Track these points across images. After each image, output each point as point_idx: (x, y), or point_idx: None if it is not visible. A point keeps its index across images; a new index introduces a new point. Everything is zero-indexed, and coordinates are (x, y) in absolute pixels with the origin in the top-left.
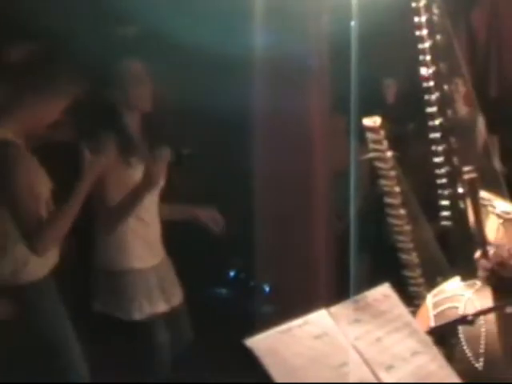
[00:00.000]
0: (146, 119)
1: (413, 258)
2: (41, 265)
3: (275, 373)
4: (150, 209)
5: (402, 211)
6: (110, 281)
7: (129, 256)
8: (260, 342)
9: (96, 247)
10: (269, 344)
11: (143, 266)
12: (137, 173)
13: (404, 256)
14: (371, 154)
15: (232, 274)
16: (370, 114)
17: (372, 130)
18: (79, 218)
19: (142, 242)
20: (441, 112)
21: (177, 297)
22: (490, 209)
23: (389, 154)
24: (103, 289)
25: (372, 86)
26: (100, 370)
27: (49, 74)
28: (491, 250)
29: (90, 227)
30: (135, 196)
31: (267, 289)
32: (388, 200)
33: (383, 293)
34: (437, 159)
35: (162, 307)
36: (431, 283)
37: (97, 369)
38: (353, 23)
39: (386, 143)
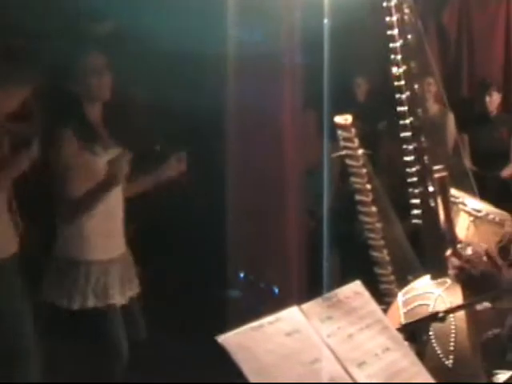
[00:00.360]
0: (109, 110)
1: (384, 255)
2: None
3: (247, 369)
4: (112, 201)
5: (373, 209)
6: (65, 270)
7: (87, 247)
8: (232, 339)
9: (56, 236)
10: (240, 341)
11: (101, 258)
12: (102, 160)
13: (375, 253)
14: (342, 152)
15: (241, 275)
16: (341, 111)
17: (343, 127)
18: (41, 206)
19: (103, 234)
20: (411, 111)
21: (133, 292)
22: (460, 207)
23: (360, 151)
24: (59, 278)
25: (344, 84)
26: (53, 364)
27: (6, 65)
28: (466, 249)
29: (53, 215)
30: (97, 192)
31: (276, 290)
32: (359, 197)
33: (355, 290)
34: (407, 158)
35: (117, 300)
36: (402, 281)
37: (49, 363)
38: (325, 21)
39: (357, 141)
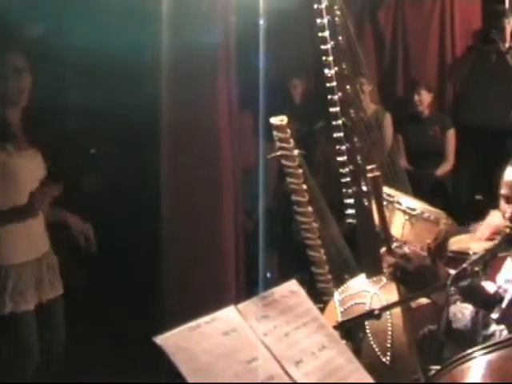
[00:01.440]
0: (29, 112)
1: (320, 254)
2: None
3: (185, 369)
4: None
5: (310, 209)
6: None
7: (5, 251)
8: (169, 339)
9: None
10: (178, 341)
11: (19, 261)
12: (17, 161)
13: (312, 253)
14: (278, 152)
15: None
16: (278, 113)
17: (279, 128)
18: None
19: (22, 238)
20: (343, 112)
21: (54, 294)
22: (396, 206)
23: (295, 152)
24: None
25: (280, 85)
26: None
27: None
28: (402, 247)
29: None
30: (12, 216)
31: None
32: (295, 198)
33: (291, 289)
34: (340, 158)
35: (32, 303)
36: (339, 280)
37: None
38: (261, 22)
39: (292, 142)
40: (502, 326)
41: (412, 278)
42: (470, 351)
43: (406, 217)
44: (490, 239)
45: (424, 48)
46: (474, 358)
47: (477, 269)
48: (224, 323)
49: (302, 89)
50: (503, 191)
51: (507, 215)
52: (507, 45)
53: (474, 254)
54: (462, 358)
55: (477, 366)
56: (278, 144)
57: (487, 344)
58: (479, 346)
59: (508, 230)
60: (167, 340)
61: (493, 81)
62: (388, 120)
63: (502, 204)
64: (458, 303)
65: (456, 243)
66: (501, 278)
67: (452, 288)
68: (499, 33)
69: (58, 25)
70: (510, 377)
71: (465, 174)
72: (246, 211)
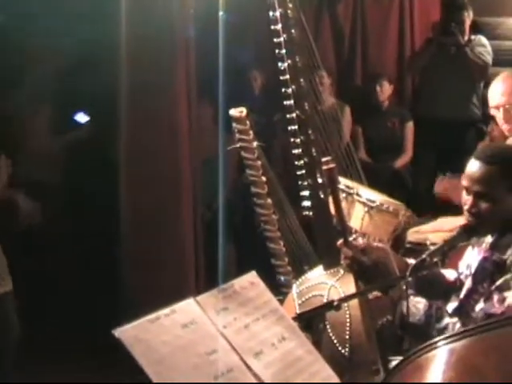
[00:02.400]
0: None
1: (280, 246)
2: None
3: (144, 361)
4: None
5: (269, 200)
6: None
7: None
8: (128, 332)
9: None
10: (137, 333)
11: None
12: None
13: (271, 245)
14: (238, 144)
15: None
16: (238, 104)
17: (238, 120)
18: None
19: None
20: (298, 105)
21: (3, 289)
22: (355, 197)
23: (255, 144)
24: None
25: (239, 77)
26: None
27: None
28: (359, 239)
29: None
30: None
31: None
32: (254, 189)
33: (250, 280)
34: (295, 151)
35: None
36: (299, 271)
37: None
38: (221, 14)
39: (252, 133)
40: (455, 319)
41: (368, 270)
42: (434, 340)
43: (365, 208)
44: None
45: (383, 40)
46: (438, 347)
47: (435, 260)
48: (183, 315)
49: (262, 81)
50: (464, 183)
51: (466, 207)
52: (466, 37)
53: (433, 244)
54: (426, 348)
55: (441, 355)
56: (237, 136)
57: (451, 333)
58: (443, 336)
59: (469, 220)
60: (126, 332)
61: (452, 73)
62: (347, 113)
63: (463, 195)
64: (412, 297)
65: (414, 234)
66: (463, 264)
67: (410, 279)
68: (458, 26)
69: (13, 14)
70: (474, 366)
71: (424, 165)
72: (205, 203)
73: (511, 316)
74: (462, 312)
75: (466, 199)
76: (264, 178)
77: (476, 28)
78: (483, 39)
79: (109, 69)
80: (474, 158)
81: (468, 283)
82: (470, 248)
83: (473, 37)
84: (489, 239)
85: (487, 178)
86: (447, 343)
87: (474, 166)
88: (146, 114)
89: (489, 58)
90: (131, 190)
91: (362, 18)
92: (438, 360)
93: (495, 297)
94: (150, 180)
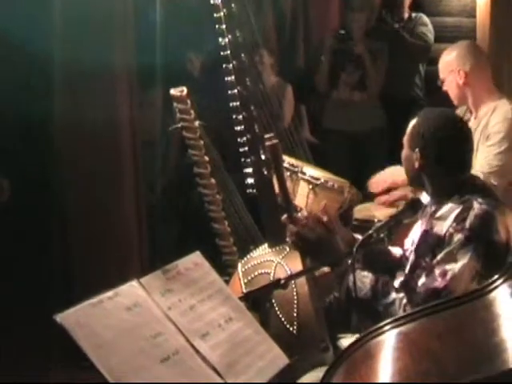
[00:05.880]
0: None
1: (225, 226)
2: None
3: (86, 346)
4: None
5: (212, 180)
6: None
7: None
8: (70, 316)
9: None
10: (79, 318)
11: None
12: None
13: (216, 225)
14: (179, 124)
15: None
16: (176, 85)
17: (179, 99)
18: None
19: None
20: (239, 81)
21: None
22: (299, 175)
23: (196, 123)
24: None
25: (178, 58)
26: None
27: None
28: (304, 215)
29: None
30: None
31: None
32: (197, 170)
33: (194, 261)
34: (238, 127)
35: None
36: (244, 251)
37: None
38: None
39: (193, 113)
40: (402, 294)
41: (314, 246)
42: (384, 323)
43: (309, 186)
44: (392, 205)
45: (325, 19)
46: (389, 330)
47: (382, 235)
48: (127, 298)
49: (201, 61)
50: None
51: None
52: (406, 15)
53: (379, 221)
54: (376, 331)
55: (393, 339)
56: (178, 115)
57: (402, 315)
58: (393, 318)
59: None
60: (68, 317)
61: (393, 55)
62: (289, 92)
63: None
64: (358, 271)
65: (361, 211)
66: (408, 241)
67: (355, 257)
68: (391, 12)
69: None
70: (430, 350)
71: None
72: (148, 185)
73: (463, 295)
74: (408, 287)
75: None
76: (207, 158)
77: (418, 5)
78: (424, 18)
79: (42, 54)
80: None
81: (411, 258)
82: (415, 225)
83: (414, 15)
84: (430, 210)
85: (410, 132)
86: (398, 325)
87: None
88: (86, 98)
89: (430, 37)
90: (71, 175)
91: None
92: (391, 345)
93: (436, 271)
94: (90, 164)
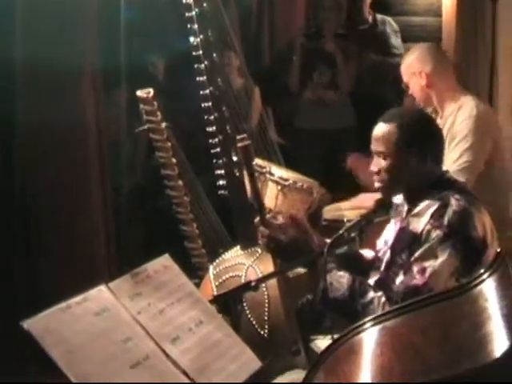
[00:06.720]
0: None
1: (193, 229)
2: None
3: (55, 353)
4: None
5: (180, 182)
6: None
7: None
8: (38, 323)
9: None
10: (47, 324)
11: None
12: None
13: (184, 227)
14: (146, 126)
15: None
16: (143, 87)
17: (146, 101)
18: None
19: None
20: (211, 80)
21: None
22: (268, 176)
23: (163, 125)
24: None
25: (143, 60)
26: None
27: None
28: (276, 217)
29: None
30: None
31: None
32: (165, 172)
33: (163, 264)
34: (209, 128)
35: None
36: (214, 254)
37: None
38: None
39: (160, 114)
40: (380, 293)
41: (286, 249)
42: (367, 319)
43: (278, 187)
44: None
45: (290, 19)
46: (371, 326)
47: (353, 235)
48: (95, 303)
49: (166, 62)
50: (372, 146)
51: (375, 170)
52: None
53: (349, 221)
54: (359, 327)
55: (376, 335)
56: (145, 117)
57: (384, 312)
58: (375, 315)
59: (376, 185)
60: (35, 324)
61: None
62: (256, 93)
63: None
64: (335, 271)
65: (330, 212)
66: (380, 241)
67: (328, 257)
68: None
69: None
70: (414, 344)
71: None
72: (115, 187)
73: (448, 290)
74: (384, 285)
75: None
76: (174, 160)
77: (384, 4)
78: (394, 25)
79: (2, 55)
80: (378, 120)
81: (387, 256)
82: (388, 224)
83: (379, 17)
84: (405, 209)
85: (385, 135)
86: (381, 322)
87: (376, 128)
88: (48, 98)
89: (401, 51)
90: (36, 176)
91: None
92: (374, 340)
93: (415, 268)
94: (56, 167)
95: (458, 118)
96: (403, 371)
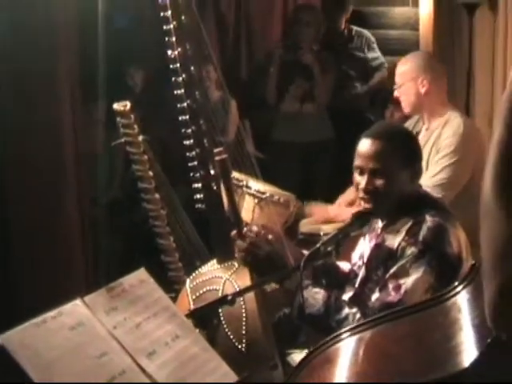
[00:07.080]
0: None
1: (170, 242)
2: None
3: (30, 368)
4: None
5: (157, 195)
6: None
7: None
8: (12, 337)
9: None
10: (22, 338)
11: None
12: None
13: (161, 241)
14: (123, 139)
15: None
16: (119, 100)
17: (122, 114)
18: None
19: None
20: (188, 94)
21: None
22: (244, 190)
23: (140, 138)
24: None
25: (121, 73)
26: None
27: None
28: (253, 231)
29: None
30: None
31: None
32: (142, 185)
33: (139, 278)
34: (186, 142)
35: None
36: (190, 267)
37: None
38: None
39: (137, 127)
40: (355, 309)
41: (262, 263)
42: (343, 330)
43: (255, 200)
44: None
45: (267, 32)
46: (347, 337)
47: (329, 249)
48: (70, 317)
49: (144, 75)
50: (357, 162)
51: (361, 187)
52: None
53: (325, 235)
54: (335, 338)
55: (351, 345)
56: (122, 130)
57: (360, 323)
58: (351, 326)
59: (362, 203)
60: (10, 338)
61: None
62: (233, 106)
63: (356, 176)
64: (310, 288)
65: (306, 225)
66: (355, 255)
67: (304, 272)
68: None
69: None
70: (389, 354)
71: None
72: (92, 200)
73: (423, 302)
74: (358, 301)
75: (360, 179)
76: (151, 173)
77: (361, 18)
78: (373, 44)
79: None
80: (365, 136)
81: (362, 272)
82: (362, 239)
83: (356, 29)
84: (379, 225)
85: (380, 153)
86: (356, 333)
87: (366, 144)
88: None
89: (378, 54)
90: (15, 188)
91: (246, 11)
92: (350, 349)
93: (390, 285)
94: (32, 179)
95: (443, 133)
96: (377, 379)
